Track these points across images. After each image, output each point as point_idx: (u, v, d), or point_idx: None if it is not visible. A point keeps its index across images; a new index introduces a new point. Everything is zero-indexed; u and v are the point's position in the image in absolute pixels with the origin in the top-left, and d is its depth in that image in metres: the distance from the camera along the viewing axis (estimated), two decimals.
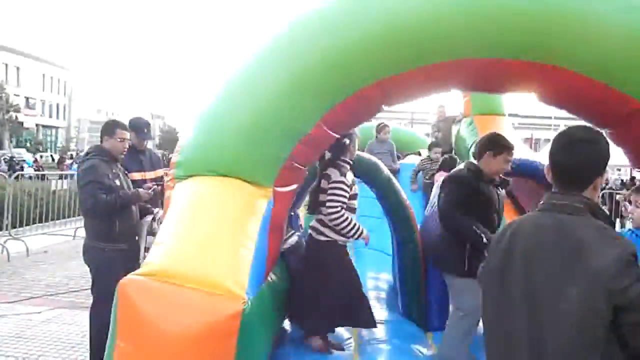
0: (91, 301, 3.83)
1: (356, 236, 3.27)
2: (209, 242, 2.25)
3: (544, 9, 2.32)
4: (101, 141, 3.84)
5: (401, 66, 2.44)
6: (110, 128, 3.81)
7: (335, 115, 2.57)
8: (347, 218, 3.21)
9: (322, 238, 3.30)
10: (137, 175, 4.73)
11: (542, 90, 2.68)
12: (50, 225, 9.25)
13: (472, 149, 6.90)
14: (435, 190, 3.87)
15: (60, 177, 11.28)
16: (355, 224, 3.25)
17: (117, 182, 3.69)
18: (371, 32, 2.39)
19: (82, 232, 10.14)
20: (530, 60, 2.41)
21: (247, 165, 2.53)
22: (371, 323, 3.37)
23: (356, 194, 3.42)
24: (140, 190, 3.79)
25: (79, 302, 5.90)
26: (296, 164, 2.66)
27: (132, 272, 2.13)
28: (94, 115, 64.22)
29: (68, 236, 9.48)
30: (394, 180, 4.08)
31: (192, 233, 2.29)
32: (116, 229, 3.59)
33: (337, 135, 2.85)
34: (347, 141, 3.26)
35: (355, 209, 3.44)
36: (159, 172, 4.98)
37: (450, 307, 3.57)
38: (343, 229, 3.21)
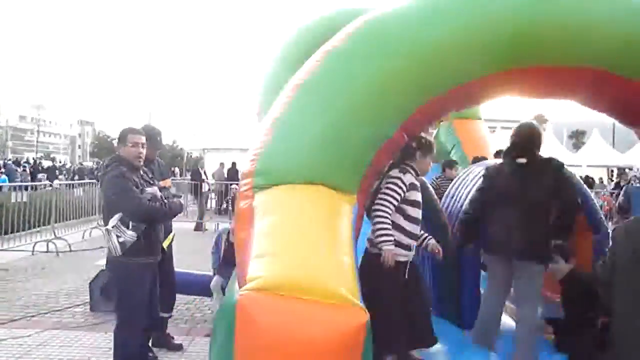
0: (80, 320, 3.64)
1: (381, 245, 2.91)
2: (314, 252, 2.18)
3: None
4: (117, 150, 3.70)
5: (484, 70, 2.47)
6: (122, 136, 3.65)
7: (413, 118, 2.56)
8: (383, 219, 2.91)
9: (375, 251, 3.02)
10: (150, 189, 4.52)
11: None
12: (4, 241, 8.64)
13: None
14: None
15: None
16: (384, 231, 2.89)
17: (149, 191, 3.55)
18: (459, 36, 2.41)
19: (41, 247, 9.57)
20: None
21: (332, 172, 2.48)
22: (434, 341, 3.18)
23: (417, 201, 3.11)
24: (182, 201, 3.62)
25: (67, 321, 5.52)
26: (373, 170, 2.62)
27: (243, 287, 2.01)
28: (18, 123, 60.34)
29: (26, 251, 8.87)
30: (428, 184, 4.09)
31: (294, 243, 2.20)
32: (142, 241, 3.40)
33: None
34: (415, 145, 3.08)
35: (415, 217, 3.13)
36: (168, 182, 4.79)
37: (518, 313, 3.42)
38: (374, 231, 2.95)
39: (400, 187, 2.98)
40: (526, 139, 3.20)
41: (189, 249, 10.19)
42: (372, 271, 2.91)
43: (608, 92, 2.64)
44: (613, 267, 2.30)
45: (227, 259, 5.24)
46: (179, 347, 4.74)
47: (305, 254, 2.17)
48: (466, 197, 3.73)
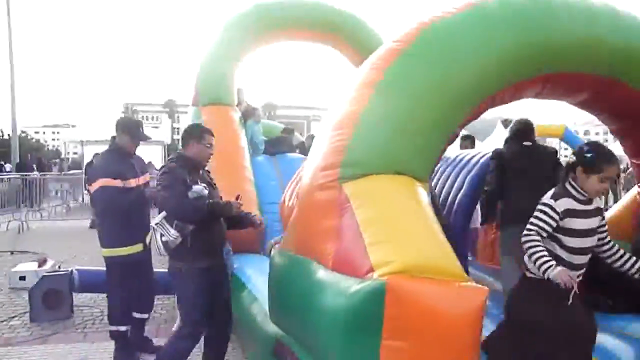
0: (26, 333, 3.36)
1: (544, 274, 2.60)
2: (426, 236, 2.42)
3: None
4: (183, 148, 3.49)
5: (521, 76, 2.90)
6: (198, 132, 3.49)
7: (468, 116, 2.90)
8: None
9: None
10: (133, 182, 4.29)
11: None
12: None
13: None
14: None
15: None
16: (540, 256, 2.61)
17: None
18: (523, 41, 2.79)
19: None
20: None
21: (414, 162, 2.70)
22: None
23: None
24: (233, 202, 3.47)
25: (8, 337, 5.04)
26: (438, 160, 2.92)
27: (381, 272, 2.17)
28: None
29: None
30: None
31: (405, 230, 2.41)
32: (187, 244, 3.24)
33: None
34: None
35: None
36: (148, 177, 4.59)
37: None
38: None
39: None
40: (528, 127, 4.09)
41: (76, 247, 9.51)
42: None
43: (610, 97, 3.26)
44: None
45: None
46: (157, 349, 4.58)
47: (420, 239, 2.39)
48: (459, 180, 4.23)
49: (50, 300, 5.50)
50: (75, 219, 13.42)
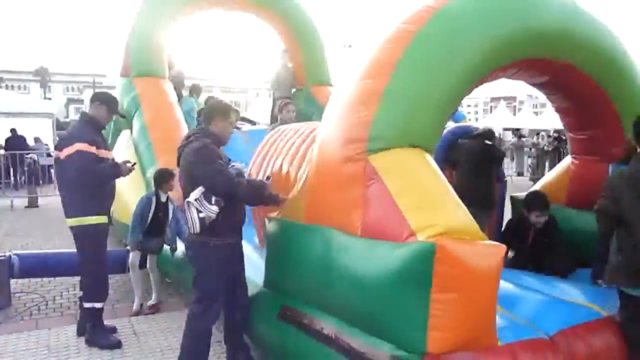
0: None
1: None
2: (452, 202, 2.75)
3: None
4: (207, 124, 3.47)
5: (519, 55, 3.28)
6: (224, 110, 3.49)
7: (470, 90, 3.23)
8: None
9: None
10: (104, 154, 4.19)
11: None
12: None
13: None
14: None
15: None
16: None
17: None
18: (515, 27, 3.14)
19: None
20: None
21: (429, 136, 2.98)
22: None
23: None
24: (266, 181, 3.53)
25: None
26: None
27: (425, 234, 2.43)
28: None
29: None
30: None
31: (436, 197, 2.73)
32: (220, 220, 3.26)
33: None
34: None
35: None
36: (110, 153, 4.53)
37: None
38: None
39: None
40: (489, 132, 5.94)
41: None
42: None
43: (565, 80, 3.77)
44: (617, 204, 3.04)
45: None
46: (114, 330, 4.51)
47: (448, 205, 2.72)
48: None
49: None
50: None
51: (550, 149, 16.75)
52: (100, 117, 4.29)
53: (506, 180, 6.57)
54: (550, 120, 21.92)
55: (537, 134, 21.35)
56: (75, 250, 4.32)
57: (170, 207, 5.08)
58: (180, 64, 8.39)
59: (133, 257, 5.09)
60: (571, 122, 4.36)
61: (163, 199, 5.04)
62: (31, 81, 68.94)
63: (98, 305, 4.29)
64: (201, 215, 3.16)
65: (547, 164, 16.74)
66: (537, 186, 5.02)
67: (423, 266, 2.41)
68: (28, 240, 8.17)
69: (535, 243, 4.27)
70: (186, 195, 3.25)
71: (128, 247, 5.29)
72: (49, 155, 14.37)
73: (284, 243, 3.37)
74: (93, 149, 4.08)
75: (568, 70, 3.63)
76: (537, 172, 16.09)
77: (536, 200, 4.28)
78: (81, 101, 68.72)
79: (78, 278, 5.13)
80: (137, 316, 4.95)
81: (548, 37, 3.31)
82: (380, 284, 2.59)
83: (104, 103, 4.30)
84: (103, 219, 4.24)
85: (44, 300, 5.41)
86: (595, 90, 3.80)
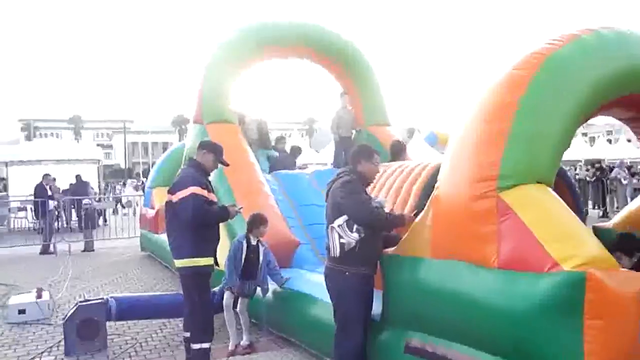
0: None
1: None
2: (583, 232, 2.95)
3: None
4: (354, 164, 3.83)
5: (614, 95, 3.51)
6: (368, 152, 3.84)
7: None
8: None
9: None
10: (212, 197, 4.45)
11: None
12: None
13: None
14: None
15: None
16: None
17: None
18: (616, 67, 3.38)
19: None
20: None
21: (550, 172, 3.22)
22: None
23: None
24: (406, 215, 3.88)
25: None
26: None
27: (571, 264, 2.60)
28: None
29: None
30: None
31: (568, 228, 2.92)
32: (356, 249, 3.52)
33: None
34: None
35: None
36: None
37: None
38: None
39: None
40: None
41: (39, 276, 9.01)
42: None
43: None
44: None
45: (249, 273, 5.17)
46: None
47: (581, 235, 2.90)
48: None
49: (85, 332, 5.24)
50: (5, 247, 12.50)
51: (592, 179, 16.69)
52: (208, 164, 4.59)
53: None
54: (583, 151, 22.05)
55: (574, 165, 21.34)
56: (167, 292, 4.52)
57: (261, 249, 5.24)
58: (253, 114, 8.61)
59: (227, 298, 5.20)
60: None
61: (253, 242, 5.19)
62: (63, 129, 71.40)
63: (206, 345, 4.44)
64: (342, 241, 3.46)
65: (590, 194, 16.68)
66: (617, 219, 5.11)
67: (575, 294, 2.58)
68: (94, 283, 8.43)
69: None
70: (330, 222, 3.56)
71: (215, 289, 5.42)
72: (98, 200, 14.89)
73: (408, 278, 3.54)
74: (205, 192, 4.35)
75: None
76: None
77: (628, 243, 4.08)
78: (110, 146, 71.12)
79: (163, 320, 5.30)
80: (233, 356, 5.00)
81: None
82: (525, 313, 2.75)
83: (211, 151, 4.60)
84: (211, 261, 4.47)
85: (136, 342, 5.58)
86: None
